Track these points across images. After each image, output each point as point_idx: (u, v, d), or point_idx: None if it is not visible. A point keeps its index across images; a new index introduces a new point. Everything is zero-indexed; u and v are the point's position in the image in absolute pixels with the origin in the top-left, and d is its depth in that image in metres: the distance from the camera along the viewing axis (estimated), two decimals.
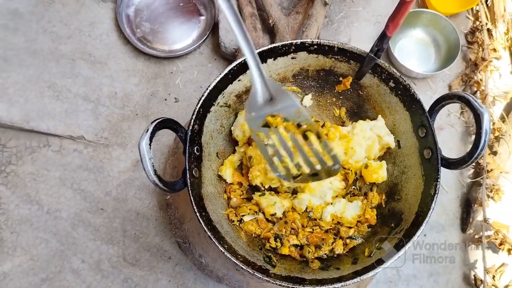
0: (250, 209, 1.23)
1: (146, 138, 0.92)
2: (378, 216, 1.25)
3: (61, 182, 1.59)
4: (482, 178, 1.67)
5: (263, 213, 1.25)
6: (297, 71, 1.32)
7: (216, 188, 1.24)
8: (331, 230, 1.24)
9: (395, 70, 1.19)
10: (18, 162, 1.59)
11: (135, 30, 1.77)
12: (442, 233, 1.69)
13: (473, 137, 1.03)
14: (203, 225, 1.03)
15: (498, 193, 1.68)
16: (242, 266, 1.01)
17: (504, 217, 1.68)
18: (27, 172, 1.58)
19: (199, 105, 1.13)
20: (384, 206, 1.27)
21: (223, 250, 1.01)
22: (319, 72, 1.32)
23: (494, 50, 1.84)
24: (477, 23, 1.89)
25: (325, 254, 1.19)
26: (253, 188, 1.30)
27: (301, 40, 1.21)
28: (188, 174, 1.05)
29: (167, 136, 1.67)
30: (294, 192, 1.29)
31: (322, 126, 1.34)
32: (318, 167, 1.03)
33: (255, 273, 1.01)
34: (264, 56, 1.21)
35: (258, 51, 1.18)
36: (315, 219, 1.25)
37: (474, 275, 1.64)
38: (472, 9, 1.94)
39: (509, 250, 1.61)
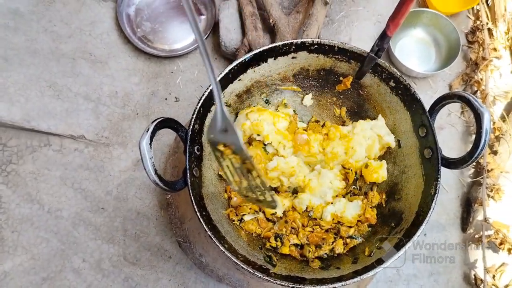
0: (250, 209, 1.23)
1: (146, 138, 0.92)
2: (378, 215, 1.25)
3: (61, 182, 1.59)
4: (482, 178, 1.67)
5: (263, 212, 1.25)
6: (297, 71, 1.32)
7: (216, 188, 1.24)
8: (331, 230, 1.24)
9: (395, 70, 1.19)
10: (19, 161, 1.59)
11: (136, 30, 1.77)
12: (443, 233, 1.69)
13: (474, 136, 1.04)
14: (204, 225, 1.03)
15: (499, 192, 1.68)
16: (243, 266, 1.01)
17: (504, 217, 1.68)
18: (28, 171, 1.58)
19: (199, 105, 1.13)
20: (384, 205, 1.27)
21: (223, 250, 1.02)
22: (320, 71, 1.32)
23: (495, 49, 1.84)
24: (478, 22, 1.89)
25: (325, 253, 1.19)
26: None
27: (302, 40, 1.21)
28: (188, 174, 1.05)
29: (167, 136, 1.68)
30: (295, 191, 1.29)
31: (322, 126, 1.34)
32: (261, 197, 1.04)
33: (256, 273, 1.01)
34: (264, 56, 1.22)
35: (258, 50, 1.19)
36: (315, 219, 1.25)
37: (475, 275, 1.64)
38: (472, 8, 1.94)
39: (509, 250, 1.61)
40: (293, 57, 1.26)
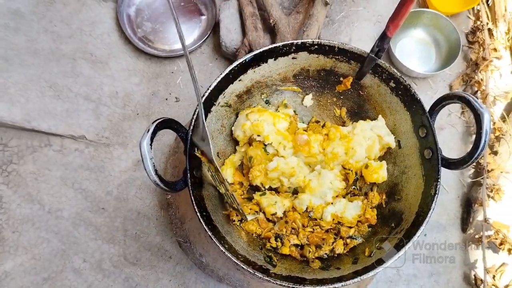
0: (250, 209, 1.24)
1: (147, 138, 0.92)
2: (378, 216, 1.25)
3: (62, 182, 1.59)
4: (482, 178, 1.67)
5: (264, 213, 1.25)
6: (297, 71, 1.32)
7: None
8: (331, 230, 1.24)
9: (395, 71, 1.19)
10: (19, 161, 1.59)
11: (136, 30, 1.77)
12: (443, 233, 1.69)
13: (474, 137, 1.04)
14: (204, 225, 1.03)
15: (499, 193, 1.68)
16: (243, 266, 1.02)
17: (504, 217, 1.68)
18: (28, 172, 1.58)
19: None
20: (384, 206, 1.27)
21: (223, 250, 1.02)
22: (320, 72, 1.32)
23: (495, 49, 1.84)
24: (478, 22, 1.89)
25: (326, 254, 1.19)
26: (254, 188, 1.30)
27: (302, 40, 1.21)
28: (189, 174, 1.05)
29: (167, 136, 1.68)
30: (295, 192, 1.29)
31: (322, 126, 1.34)
32: (234, 206, 1.11)
33: (256, 273, 1.02)
34: (265, 56, 1.22)
35: (258, 51, 1.19)
36: (315, 219, 1.25)
37: (475, 275, 1.64)
38: (473, 8, 1.94)
39: (509, 250, 1.61)
40: (293, 58, 1.26)
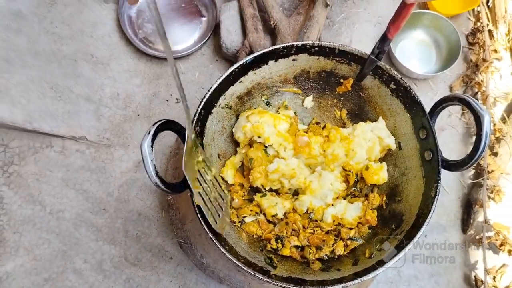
0: (251, 210, 1.24)
1: (148, 140, 0.92)
2: (378, 217, 1.25)
3: (63, 183, 1.60)
4: (483, 179, 1.67)
5: (264, 214, 1.25)
6: (298, 73, 1.32)
7: None
8: (331, 231, 1.24)
9: (396, 72, 1.19)
10: (20, 162, 1.59)
11: (137, 31, 1.77)
12: (443, 234, 1.69)
13: (474, 138, 1.04)
14: (205, 227, 1.03)
15: (499, 194, 1.68)
16: (244, 267, 1.02)
17: (504, 218, 1.68)
18: (29, 173, 1.59)
19: (200, 107, 1.14)
20: (384, 207, 1.27)
21: (224, 251, 1.02)
22: (320, 73, 1.32)
23: (495, 51, 1.84)
24: (478, 24, 1.89)
25: (326, 255, 1.20)
26: (254, 190, 1.30)
27: (303, 42, 1.21)
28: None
29: (168, 137, 1.68)
30: (295, 193, 1.29)
31: (323, 128, 1.35)
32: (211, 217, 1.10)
33: (256, 274, 1.02)
34: (265, 58, 1.22)
35: (259, 53, 1.19)
36: (315, 220, 1.25)
37: (475, 276, 1.64)
38: (473, 10, 1.94)
39: (509, 251, 1.61)
40: (294, 59, 1.26)
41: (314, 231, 1.23)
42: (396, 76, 1.19)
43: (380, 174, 1.25)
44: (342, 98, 1.38)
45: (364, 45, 1.84)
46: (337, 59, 1.25)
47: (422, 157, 1.19)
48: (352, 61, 1.24)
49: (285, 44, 1.21)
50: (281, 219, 1.24)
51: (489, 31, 1.86)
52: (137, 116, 1.71)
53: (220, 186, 1.20)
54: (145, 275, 1.55)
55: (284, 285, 1.01)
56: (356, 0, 1.92)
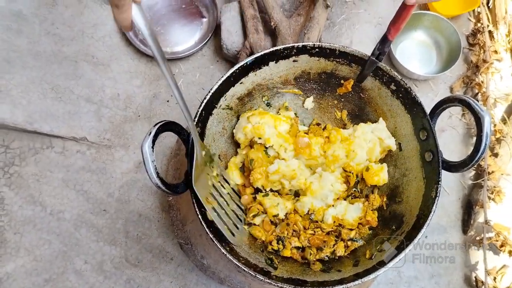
0: (258, 209, 1.23)
1: (149, 141, 0.92)
2: (379, 218, 1.25)
3: (64, 183, 1.60)
4: (483, 180, 1.68)
5: (266, 214, 1.25)
6: (298, 74, 1.32)
7: None
8: (332, 232, 1.24)
9: (396, 74, 1.19)
10: (21, 163, 1.59)
11: (138, 32, 1.77)
12: (444, 235, 1.69)
13: (475, 139, 1.04)
14: (205, 227, 1.04)
15: (499, 195, 1.68)
16: (244, 268, 1.02)
17: (505, 219, 1.68)
18: (30, 173, 1.59)
19: (201, 108, 1.14)
20: (385, 208, 1.27)
21: (225, 252, 1.02)
22: (321, 74, 1.32)
23: (496, 52, 1.84)
24: (479, 25, 1.89)
25: (327, 256, 1.20)
26: (256, 190, 1.30)
27: (303, 43, 1.21)
28: (190, 177, 1.05)
29: (169, 138, 1.68)
30: (296, 194, 1.29)
31: (323, 129, 1.35)
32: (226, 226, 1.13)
33: (257, 275, 1.02)
34: (266, 59, 1.22)
35: (260, 54, 1.19)
36: (316, 221, 1.25)
37: (475, 277, 1.64)
38: (473, 11, 1.94)
39: (510, 252, 1.61)
40: (294, 61, 1.26)
41: (314, 232, 1.23)
42: (396, 77, 1.19)
43: (380, 175, 1.25)
44: (342, 99, 1.38)
45: (365, 46, 1.84)
46: (338, 60, 1.25)
47: (422, 158, 1.19)
48: (352, 62, 1.24)
49: (285, 45, 1.21)
50: (282, 220, 1.24)
51: (490, 32, 1.87)
52: (138, 117, 1.71)
53: (239, 197, 1.21)
54: (146, 275, 1.55)
55: (284, 286, 1.01)
56: (356, 1, 1.92)
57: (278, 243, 1.19)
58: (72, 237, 1.56)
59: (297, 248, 1.21)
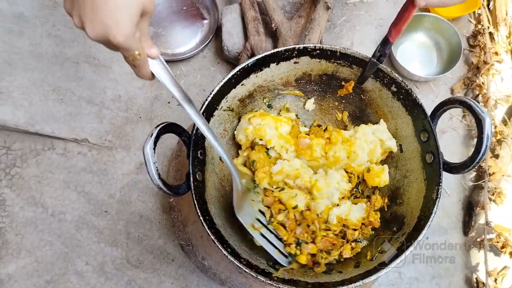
0: (279, 210, 1.22)
1: (150, 143, 0.92)
2: (380, 220, 1.25)
3: (65, 185, 1.60)
4: (484, 181, 1.68)
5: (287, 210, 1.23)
6: (299, 76, 1.33)
7: (219, 192, 1.25)
8: (339, 234, 1.23)
9: (397, 75, 1.20)
10: (22, 164, 1.60)
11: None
12: (444, 236, 1.69)
13: (475, 140, 1.04)
14: (206, 229, 1.04)
15: (500, 196, 1.68)
16: (245, 270, 1.02)
17: (506, 220, 1.68)
18: (31, 175, 1.59)
19: (202, 109, 1.14)
20: (386, 210, 1.27)
21: (226, 254, 1.02)
22: (322, 76, 1.33)
23: (496, 53, 1.84)
24: (479, 26, 1.89)
25: (335, 259, 1.17)
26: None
27: (304, 45, 1.22)
28: (192, 178, 1.05)
29: (170, 139, 1.69)
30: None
31: (324, 130, 1.35)
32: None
33: (258, 276, 1.02)
34: (267, 61, 1.22)
35: (261, 56, 1.19)
36: (326, 222, 1.23)
37: (476, 278, 1.64)
38: (474, 12, 1.95)
39: (511, 253, 1.61)
40: (295, 62, 1.26)
41: (327, 234, 1.20)
42: (397, 78, 1.20)
43: (381, 177, 1.25)
44: (343, 101, 1.38)
45: (365, 48, 1.85)
46: (339, 62, 1.25)
47: (423, 160, 1.19)
48: (353, 64, 1.24)
49: (286, 47, 1.22)
50: (301, 213, 1.22)
51: (490, 33, 1.87)
52: (139, 119, 1.71)
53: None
54: (147, 277, 1.55)
55: (285, 287, 1.01)
56: (357, 3, 1.93)
57: (296, 247, 1.17)
58: (73, 238, 1.56)
59: (312, 255, 1.18)
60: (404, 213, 1.21)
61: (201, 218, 1.04)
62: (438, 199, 1.09)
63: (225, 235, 1.11)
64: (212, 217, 1.11)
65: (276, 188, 1.25)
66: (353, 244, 1.20)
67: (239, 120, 1.31)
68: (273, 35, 1.67)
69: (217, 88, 1.16)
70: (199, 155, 1.14)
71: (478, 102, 1.71)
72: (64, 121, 1.63)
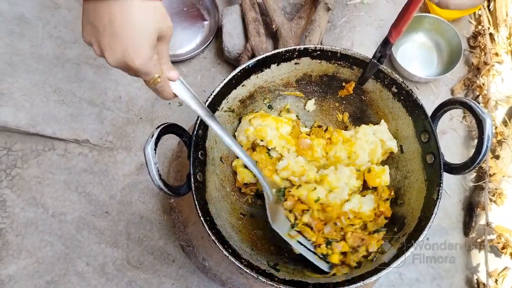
0: (302, 210, 1.19)
1: (151, 144, 0.93)
2: None
3: (66, 186, 1.60)
4: (484, 182, 1.68)
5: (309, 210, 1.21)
6: (300, 76, 1.33)
7: (220, 192, 1.25)
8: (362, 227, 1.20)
9: (397, 76, 1.20)
10: (23, 165, 1.60)
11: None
12: (445, 237, 1.69)
13: (476, 141, 1.04)
14: (207, 229, 1.04)
15: (501, 197, 1.68)
16: (246, 270, 1.02)
17: (506, 221, 1.68)
18: (32, 176, 1.59)
19: None
20: (393, 202, 1.26)
21: (227, 254, 1.02)
22: (322, 77, 1.33)
23: (496, 54, 1.84)
24: (479, 27, 1.90)
25: (363, 255, 1.14)
26: (258, 196, 1.30)
27: (304, 46, 1.22)
28: (192, 179, 1.06)
29: (170, 140, 1.69)
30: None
31: (325, 131, 1.35)
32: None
33: (259, 277, 1.02)
34: (268, 62, 1.23)
35: (261, 57, 1.20)
36: (348, 218, 1.20)
37: (477, 279, 1.64)
38: (474, 13, 1.95)
39: (511, 254, 1.61)
40: (296, 63, 1.27)
41: (354, 229, 1.18)
42: (397, 79, 1.20)
43: (382, 177, 1.25)
44: (344, 102, 1.38)
45: (366, 49, 1.85)
46: (339, 62, 1.25)
47: (424, 161, 1.19)
48: (354, 65, 1.24)
49: (287, 48, 1.22)
50: (324, 210, 1.18)
51: (490, 34, 1.87)
52: (140, 119, 1.71)
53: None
54: (147, 278, 1.55)
55: None
56: (357, 4, 1.93)
57: (327, 246, 1.15)
58: (74, 239, 1.56)
59: (343, 253, 1.16)
60: (404, 213, 1.21)
61: (201, 218, 1.04)
62: (438, 199, 1.09)
63: (226, 236, 1.11)
64: (212, 217, 1.11)
65: (293, 186, 1.24)
66: (375, 235, 1.17)
67: (239, 121, 1.32)
68: (274, 36, 1.67)
69: (217, 89, 1.16)
70: (199, 156, 1.14)
71: (479, 103, 1.72)
72: (65, 122, 1.63)
